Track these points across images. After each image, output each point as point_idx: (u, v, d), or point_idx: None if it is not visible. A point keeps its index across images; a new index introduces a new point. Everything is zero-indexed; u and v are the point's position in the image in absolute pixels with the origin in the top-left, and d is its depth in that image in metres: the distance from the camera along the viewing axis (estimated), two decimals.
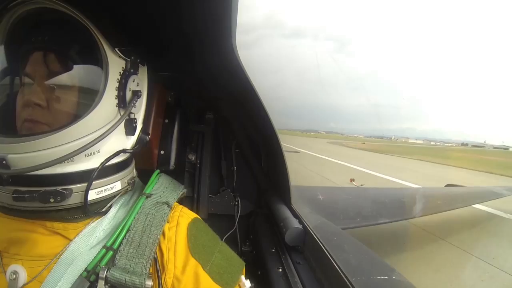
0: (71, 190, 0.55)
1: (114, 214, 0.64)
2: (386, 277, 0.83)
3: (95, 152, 0.59)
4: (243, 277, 0.68)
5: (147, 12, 0.68)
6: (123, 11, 0.67)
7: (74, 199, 0.56)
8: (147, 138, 0.71)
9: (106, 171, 0.61)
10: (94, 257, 0.57)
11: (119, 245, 0.58)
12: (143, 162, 1.12)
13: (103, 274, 0.54)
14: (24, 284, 0.55)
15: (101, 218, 0.62)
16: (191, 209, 0.73)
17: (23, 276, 0.55)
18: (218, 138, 1.32)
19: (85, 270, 0.56)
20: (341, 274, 0.78)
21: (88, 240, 0.59)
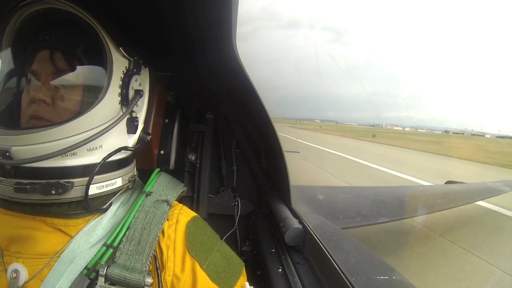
0: (72, 183, 0.56)
1: (114, 212, 0.64)
2: (386, 277, 0.84)
3: (97, 147, 0.60)
4: (247, 283, 0.68)
5: (148, 13, 0.68)
6: (123, 11, 0.67)
7: (75, 193, 0.57)
8: (148, 138, 0.72)
9: (107, 166, 0.62)
10: (95, 255, 0.58)
11: (119, 243, 0.59)
12: (143, 162, 1.12)
13: (103, 271, 0.55)
14: (25, 283, 0.55)
15: (101, 215, 0.63)
16: (191, 209, 0.74)
17: (23, 275, 0.56)
18: (218, 138, 1.32)
19: (85, 268, 0.57)
20: (341, 274, 0.78)
21: (88, 238, 0.60)
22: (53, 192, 0.54)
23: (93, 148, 0.59)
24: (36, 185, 0.53)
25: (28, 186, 0.53)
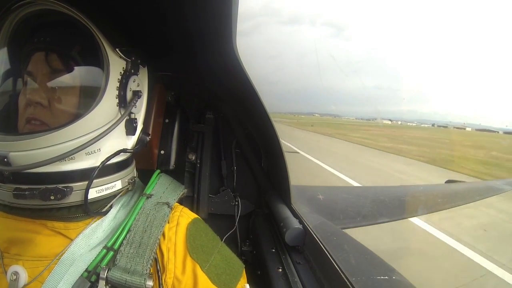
0: (71, 188, 0.56)
1: (114, 214, 0.64)
2: (386, 277, 0.84)
3: (96, 151, 0.59)
4: (247, 285, 0.69)
5: (148, 13, 0.68)
6: (124, 11, 0.66)
7: (74, 197, 0.57)
8: (148, 138, 0.72)
9: (106, 170, 0.61)
10: (95, 257, 0.58)
11: (120, 246, 0.59)
12: (143, 162, 1.12)
13: (103, 274, 0.55)
14: (25, 285, 0.55)
15: (102, 218, 0.63)
16: (191, 209, 0.74)
17: (23, 277, 0.56)
18: (218, 138, 1.32)
19: (86, 270, 0.56)
20: (341, 274, 0.78)
21: (88, 241, 0.60)
22: (52, 197, 0.54)
23: (91, 151, 0.59)
24: (35, 191, 0.53)
25: (27, 192, 0.53)
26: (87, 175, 0.58)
